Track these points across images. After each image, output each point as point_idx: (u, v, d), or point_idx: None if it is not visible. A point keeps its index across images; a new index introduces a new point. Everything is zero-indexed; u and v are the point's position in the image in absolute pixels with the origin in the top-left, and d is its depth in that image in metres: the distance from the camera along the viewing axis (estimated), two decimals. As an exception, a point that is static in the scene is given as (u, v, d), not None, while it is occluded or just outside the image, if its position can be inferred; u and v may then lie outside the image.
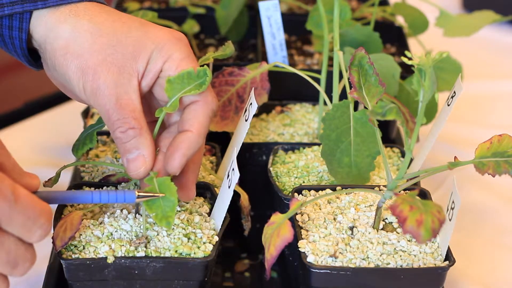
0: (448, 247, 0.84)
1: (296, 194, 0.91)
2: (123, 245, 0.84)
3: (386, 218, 0.88)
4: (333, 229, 0.86)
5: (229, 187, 0.86)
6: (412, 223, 0.74)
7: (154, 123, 0.87)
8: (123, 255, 0.84)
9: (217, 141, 1.04)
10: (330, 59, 1.01)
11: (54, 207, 0.90)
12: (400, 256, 0.83)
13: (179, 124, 0.85)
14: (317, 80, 1.01)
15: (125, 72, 0.83)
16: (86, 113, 1.10)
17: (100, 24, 0.85)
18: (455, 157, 0.83)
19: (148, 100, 0.89)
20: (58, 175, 0.90)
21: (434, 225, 0.74)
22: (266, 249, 0.80)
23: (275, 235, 0.79)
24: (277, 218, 0.81)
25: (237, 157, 0.87)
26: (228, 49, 0.94)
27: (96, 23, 0.84)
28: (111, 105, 0.82)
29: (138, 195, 0.81)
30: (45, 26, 0.85)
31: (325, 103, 1.01)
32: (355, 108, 0.94)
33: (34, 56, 0.90)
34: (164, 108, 0.84)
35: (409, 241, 0.85)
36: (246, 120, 0.92)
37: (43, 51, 0.86)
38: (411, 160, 0.97)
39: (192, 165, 0.86)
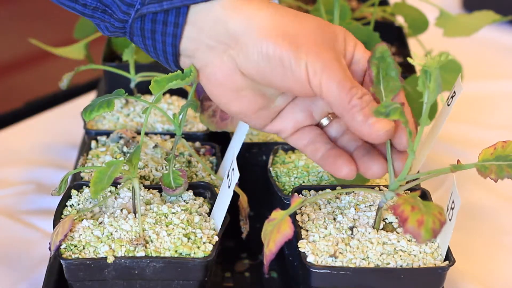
0: (448, 247, 0.84)
1: (296, 194, 0.91)
2: (123, 245, 0.84)
3: (386, 218, 0.88)
4: (333, 229, 0.86)
5: (229, 187, 0.86)
6: (413, 223, 0.74)
7: None
8: (123, 255, 0.84)
9: (217, 141, 1.04)
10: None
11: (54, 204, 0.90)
12: (400, 256, 0.84)
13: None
14: (317, 80, 1.01)
15: (336, 52, 0.82)
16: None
17: (295, 11, 0.83)
18: (458, 160, 0.83)
19: None
20: (65, 182, 0.89)
21: (434, 226, 0.74)
22: (266, 245, 0.79)
23: (275, 231, 0.79)
24: (277, 214, 0.81)
25: (237, 157, 0.87)
26: None
27: (291, 9, 0.83)
28: (342, 76, 0.80)
29: None
30: (243, 16, 0.81)
31: (325, 103, 1.01)
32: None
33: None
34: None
35: (409, 241, 0.85)
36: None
37: (236, 43, 0.81)
38: (411, 160, 0.97)
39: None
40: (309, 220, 0.88)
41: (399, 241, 0.85)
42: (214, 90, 0.85)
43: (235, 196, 0.90)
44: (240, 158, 0.91)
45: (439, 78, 0.77)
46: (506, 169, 0.79)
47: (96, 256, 0.84)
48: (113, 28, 0.85)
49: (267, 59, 0.80)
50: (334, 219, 0.88)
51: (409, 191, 0.93)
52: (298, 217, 0.88)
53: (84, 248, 0.85)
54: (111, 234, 0.86)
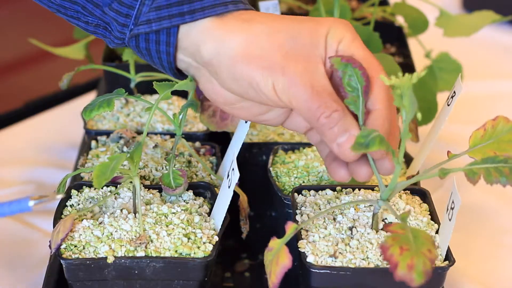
0: (448, 247, 0.84)
1: (296, 194, 0.91)
2: (123, 245, 0.84)
3: (386, 218, 0.88)
4: (333, 229, 0.86)
5: (229, 187, 0.86)
6: (403, 269, 0.73)
7: None
8: (123, 255, 0.84)
9: (217, 141, 1.04)
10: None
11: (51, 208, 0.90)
12: (400, 256, 0.83)
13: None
14: (317, 80, 1.01)
15: (311, 60, 0.81)
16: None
17: (272, 22, 0.83)
18: (448, 151, 0.83)
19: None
20: (63, 185, 0.89)
21: (425, 267, 0.73)
22: (268, 276, 0.80)
23: (274, 262, 0.79)
24: (274, 243, 0.80)
25: (237, 157, 0.87)
26: None
27: (266, 23, 0.83)
28: (308, 93, 0.80)
29: (33, 202, 0.78)
30: (214, 40, 0.82)
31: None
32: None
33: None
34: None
35: (409, 241, 0.85)
36: (246, 121, 0.92)
37: (211, 67, 0.83)
38: (411, 160, 0.97)
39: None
40: (309, 220, 0.88)
41: (399, 241, 0.85)
42: (212, 102, 0.88)
43: (235, 196, 0.90)
44: (240, 158, 0.91)
45: (413, 96, 0.75)
46: (494, 174, 0.77)
47: (96, 256, 0.84)
48: (114, 44, 0.87)
49: (237, 83, 0.82)
50: (334, 219, 0.88)
51: (409, 191, 0.93)
52: (298, 217, 0.88)
53: (84, 248, 0.85)
54: (111, 234, 0.86)
